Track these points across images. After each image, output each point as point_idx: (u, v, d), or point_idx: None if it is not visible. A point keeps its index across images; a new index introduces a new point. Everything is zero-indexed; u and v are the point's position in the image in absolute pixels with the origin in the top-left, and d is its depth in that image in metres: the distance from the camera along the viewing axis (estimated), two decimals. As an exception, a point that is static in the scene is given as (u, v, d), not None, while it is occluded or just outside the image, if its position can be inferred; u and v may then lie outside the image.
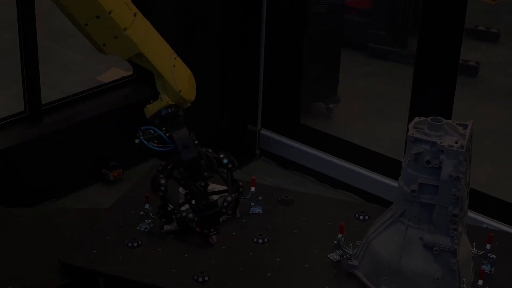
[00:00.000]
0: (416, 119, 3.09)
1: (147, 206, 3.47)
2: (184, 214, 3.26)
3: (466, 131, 3.01)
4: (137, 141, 3.22)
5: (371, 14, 7.36)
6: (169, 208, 3.35)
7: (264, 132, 5.91)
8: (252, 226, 3.54)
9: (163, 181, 3.26)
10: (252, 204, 3.63)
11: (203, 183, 3.31)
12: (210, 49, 5.61)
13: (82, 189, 5.54)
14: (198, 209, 3.30)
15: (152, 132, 3.25)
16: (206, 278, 3.19)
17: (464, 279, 3.05)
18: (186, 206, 3.36)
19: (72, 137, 5.40)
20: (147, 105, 3.26)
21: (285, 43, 5.80)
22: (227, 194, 3.38)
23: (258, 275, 3.26)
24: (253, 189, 3.62)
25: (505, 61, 7.62)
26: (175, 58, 3.28)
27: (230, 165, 3.37)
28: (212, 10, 5.56)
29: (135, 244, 3.38)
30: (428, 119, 3.05)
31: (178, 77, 3.23)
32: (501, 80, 7.30)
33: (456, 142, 2.94)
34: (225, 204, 3.29)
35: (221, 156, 3.35)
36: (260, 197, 3.64)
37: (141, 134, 3.24)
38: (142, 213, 3.49)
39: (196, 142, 3.27)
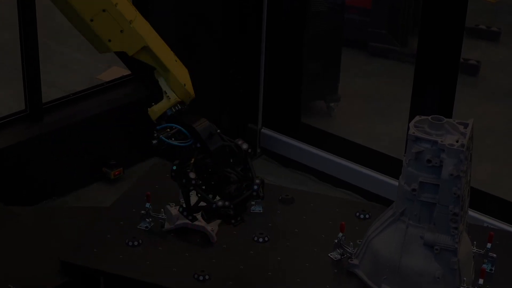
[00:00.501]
0: (417, 118, 3.09)
1: (147, 205, 3.47)
2: (220, 203, 3.15)
3: (467, 130, 3.01)
4: (154, 141, 3.12)
5: (371, 13, 7.36)
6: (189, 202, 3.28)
7: (265, 131, 5.91)
8: (252, 225, 3.53)
9: (193, 175, 3.15)
10: (253, 203, 3.63)
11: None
12: (210, 48, 5.61)
13: (82, 187, 5.54)
14: (231, 196, 3.20)
15: (169, 129, 3.15)
16: (207, 277, 3.19)
17: (465, 278, 3.05)
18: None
19: (72, 135, 5.40)
20: (152, 107, 3.18)
21: (286, 42, 5.80)
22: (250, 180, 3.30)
23: (258, 274, 3.26)
24: (253, 188, 3.62)
25: (506, 60, 7.62)
26: (174, 54, 3.26)
27: (249, 150, 3.32)
28: (212, 9, 5.56)
29: (135, 243, 3.38)
30: (429, 118, 3.05)
31: (180, 71, 3.20)
32: (502, 79, 7.30)
33: (457, 141, 2.94)
34: (256, 187, 3.20)
35: (240, 142, 3.30)
36: (260, 196, 3.64)
37: (158, 134, 3.14)
38: (142, 212, 3.49)
39: (218, 131, 3.22)
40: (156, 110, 3.16)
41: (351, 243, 3.29)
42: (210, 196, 3.22)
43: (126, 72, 5.97)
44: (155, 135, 3.12)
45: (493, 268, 3.26)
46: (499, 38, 7.84)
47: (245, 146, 3.24)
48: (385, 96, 6.81)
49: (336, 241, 3.30)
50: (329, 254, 3.33)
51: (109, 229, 3.48)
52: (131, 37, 3.03)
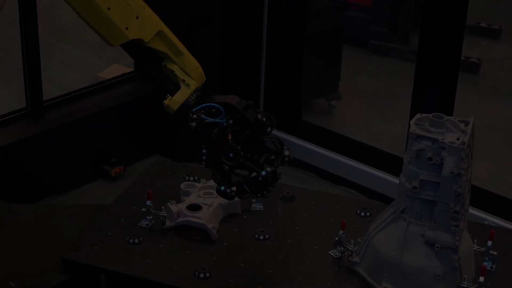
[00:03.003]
0: (418, 115, 3.09)
1: (148, 202, 3.47)
2: (269, 169, 3.10)
3: (468, 127, 3.01)
4: (193, 123, 3.07)
5: (372, 11, 7.36)
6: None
7: (266, 128, 5.90)
8: (253, 223, 3.54)
9: (238, 146, 3.11)
10: (254, 200, 3.63)
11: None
12: (210, 46, 5.61)
13: (83, 185, 5.54)
14: (273, 162, 3.15)
15: (206, 109, 3.09)
16: (208, 275, 3.19)
17: (465, 276, 3.05)
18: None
19: (73, 133, 5.41)
20: (169, 100, 3.08)
21: (286, 40, 5.80)
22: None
23: (259, 272, 3.26)
24: (254, 185, 3.63)
25: (507, 57, 7.63)
26: None
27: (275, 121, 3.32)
28: (212, 8, 5.56)
29: (136, 241, 3.38)
30: (430, 115, 3.05)
31: (191, 55, 3.18)
32: (503, 77, 7.31)
33: (458, 139, 2.94)
34: (287, 153, 3.17)
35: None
36: (261, 194, 3.64)
37: (197, 114, 3.08)
38: (143, 209, 3.49)
39: (251, 101, 3.18)
40: (177, 99, 3.08)
41: (352, 240, 3.29)
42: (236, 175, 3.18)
43: (127, 69, 5.98)
44: (194, 116, 3.08)
45: (494, 266, 3.26)
46: (500, 36, 7.85)
47: (272, 117, 3.23)
48: (386, 94, 6.82)
49: (336, 238, 3.30)
50: (329, 252, 3.33)
51: (110, 227, 3.48)
52: (146, 22, 3.02)
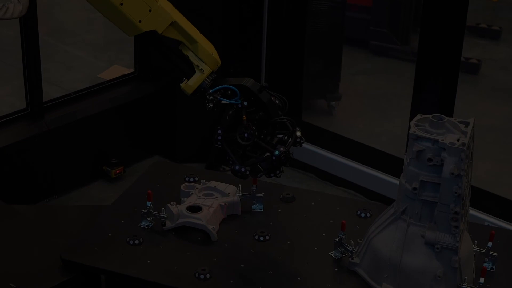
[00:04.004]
0: (418, 116, 3.09)
1: (148, 203, 3.47)
2: (282, 149, 3.17)
3: (468, 128, 3.01)
4: (210, 105, 3.18)
5: (372, 11, 7.37)
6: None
7: (266, 129, 5.91)
8: (253, 224, 3.54)
9: (253, 126, 3.21)
10: (254, 201, 3.64)
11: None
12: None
13: (83, 186, 5.54)
14: (285, 142, 3.23)
15: (222, 91, 3.21)
16: (208, 276, 3.20)
17: (466, 277, 3.05)
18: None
19: (73, 134, 5.41)
20: (185, 83, 3.21)
21: (286, 40, 5.80)
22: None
23: (259, 273, 3.26)
24: (254, 186, 3.63)
25: (507, 58, 7.64)
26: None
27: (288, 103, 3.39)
28: (212, 7, 5.56)
29: (136, 242, 3.38)
30: (430, 116, 3.05)
31: (206, 42, 3.27)
32: (503, 77, 7.31)
33: (458, 140, 2.94)
34: (299, 134, 3.23)
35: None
36: (261, 195, 3.64)
37: (214, 95, 3.20)
38: (143, 210, 3.49)
39: (266, 84, 3.29)
40: (191, 84, 3.21)
41: (352, 241, 3.29)
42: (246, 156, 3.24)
43: (127, 70, 5.99)
44: (210, 98, 3.18)
45: (494, 267, 3.26)
46: (500, 37, 7.86)
47: (285, 99, 3.33)
48: (386, 95, 6.82)
49: (337, 239, 3.30)
50: (330, 253, 3.33)
51: (110, 228, 3.48)
52: (159, 15, 3.12)
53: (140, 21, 3.09)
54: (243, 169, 3.19)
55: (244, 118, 3.21)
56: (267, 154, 3.21)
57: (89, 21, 7.52)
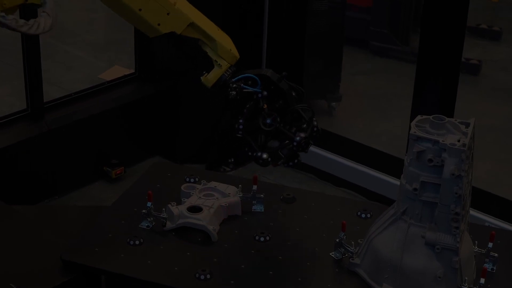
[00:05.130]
0: (418, 117, 3.09)
1: (149, 204, 3.47)
2: (302, 134, 3.26)
3: (468, 129, 3.01)
4: (233, 92, 3.28)
5: (372, 12, 7.37)
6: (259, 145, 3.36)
7: (266, 130, 5.90)
8: (254, 224, 3.54)
9: (275, 114, 3.31)
10: (254, 202, 3.63)
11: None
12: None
13: (84, 186, 5.54)
14: (305, 130, 3.32)
15: (243, 80, 3.33)
16: (208, 276, 3.19)
17: (466, 277, 3.05)
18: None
19: (74, 134, 5.41)
20: (205, 77, 3.33)
21: (287, 41, 5.80)
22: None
23: (259, 273, 3.26)
24: (255, 187, 3.63)
25: (507, 59, 7.64)
26: (215, 24, 3.42)
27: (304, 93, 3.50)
28: (212, 8, 5.55)
29: (137, 242, 3.38)
30: (430, 117, 3.05)
31: (224, 39, 3.37)
32: (503, 78, 7.32)
33: (458, 141, 2.94)
34: (315, 123, 3.34)
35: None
36: (262, 195, 3.64)
37: (237, 84, 3.31)
38: (144, 211, 3.49)
39: (285, 73, 3.37)
40: (210, 78, 3.33)
41: (352, 242, 3.29)
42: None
43: (128, 71, 5.99)
44: (233, 86, 3.29)
45: (495, 268, 3.26)
46: (501, 38, 7.86)
47: (302, 89, 3.42)
48: (386, 95, 6.82)
49: (337, 240, 3.30)
50: (330, 253, 3.33)
51: (110, 228, 3.48)
52: (177, 17, 3.23)
53: (159, 24, 3.21)
54: (265, 156, 3.29)
55: (265, 106, 3.30)
56: (287, 141, 3.30)
57: (89, 21, 7.53)
